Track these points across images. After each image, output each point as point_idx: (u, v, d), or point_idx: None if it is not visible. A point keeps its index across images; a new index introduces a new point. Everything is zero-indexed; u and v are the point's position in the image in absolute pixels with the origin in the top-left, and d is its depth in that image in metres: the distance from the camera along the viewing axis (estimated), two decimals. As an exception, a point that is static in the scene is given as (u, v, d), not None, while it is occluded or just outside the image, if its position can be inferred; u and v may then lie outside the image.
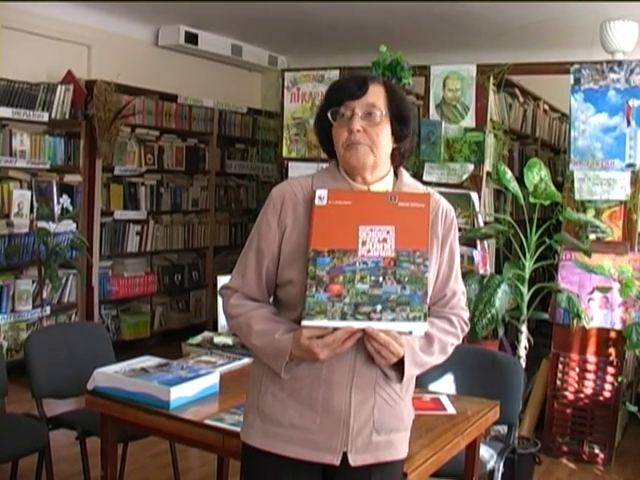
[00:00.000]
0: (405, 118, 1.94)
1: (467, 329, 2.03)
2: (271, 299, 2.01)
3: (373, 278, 1.77)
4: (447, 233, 1.97)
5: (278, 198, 1.94)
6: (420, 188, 2.02)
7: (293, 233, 1.89)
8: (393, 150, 1.95)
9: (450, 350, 1.98)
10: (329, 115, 1.90)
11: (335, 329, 1.75)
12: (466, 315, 2.04)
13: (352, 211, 1.84)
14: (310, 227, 1.83)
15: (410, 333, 1.77)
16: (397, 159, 1.99)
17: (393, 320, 1.74)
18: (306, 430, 1.87)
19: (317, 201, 1.85)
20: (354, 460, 1.87)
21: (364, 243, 1.80)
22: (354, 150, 1.87)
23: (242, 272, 1.97)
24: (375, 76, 1.97)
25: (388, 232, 1.81)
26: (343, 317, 1.74)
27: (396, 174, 2.00)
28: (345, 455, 1.87)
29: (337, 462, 1.87)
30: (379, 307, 1.74)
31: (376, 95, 1.89)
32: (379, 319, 1.74)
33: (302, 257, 1.83)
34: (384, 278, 1.77)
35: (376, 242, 1.80)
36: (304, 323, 1.76)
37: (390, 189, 1.95)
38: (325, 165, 2.04)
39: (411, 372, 1.88)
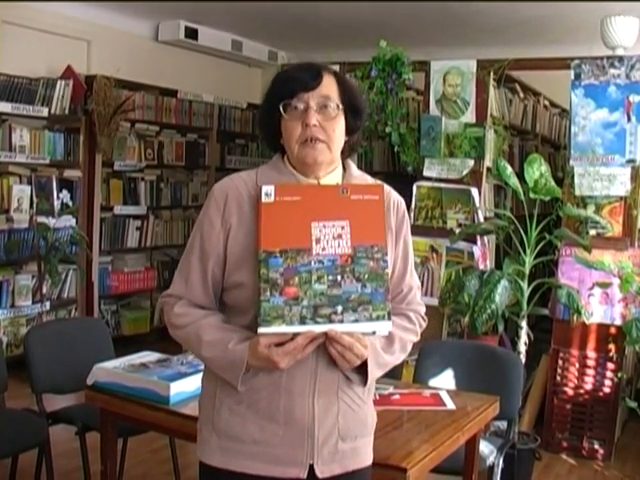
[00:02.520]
0: (358, 110, 1.83)
1: (425, 324, 1.94)
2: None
3: (331, 277, 1.66)
4: (400, 226, 1.88)
5: (220, 195, 1.81)
6: (368, 180, 1.91)
7: (239, 232, 1.77)
8: (344, 143, 1.84)
9: (409, 348, 1.88)
10: (281, 108, 1.77)
11: (295, 335, 1.64)
12: (423, 310, 1.94)
13: (302, 207, 1.71)
14: (258, 226, 1.71)
15: (374, 333, 1.68)
16: (346, 152, 1.87)
17: (356, 321, 1.64)
18: (268, 444, 1.75)
19: (264, 198, 1.72)
20: (321, 472, 1.76)
21: (318, 240, 1.68)
22: (310, 147, 1.75)
23: (185, 277, 1.81)
24: (325, 65, 1.84)
25: (343, 227, 1.69)
26: (302, 321, 1.63)
27: (344, 166, 1.88)
28: (312, 467, 1.76)
29: (304, 475, 1.75)
30: (340, 308, 1.64)
31: (330, 86, 1.78)
32: (341, 321, 1.64)
33: (251, 258, 1.71)
34: (342, 277, 1.66)
35: (331, 239, 1.68)
36: (261, 330, 1.63)
37: (339, 182, 1.83)
38: None
39: (375, 374, 1.78)
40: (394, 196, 1.90)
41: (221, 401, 1.80)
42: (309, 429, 1.75)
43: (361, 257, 1.68)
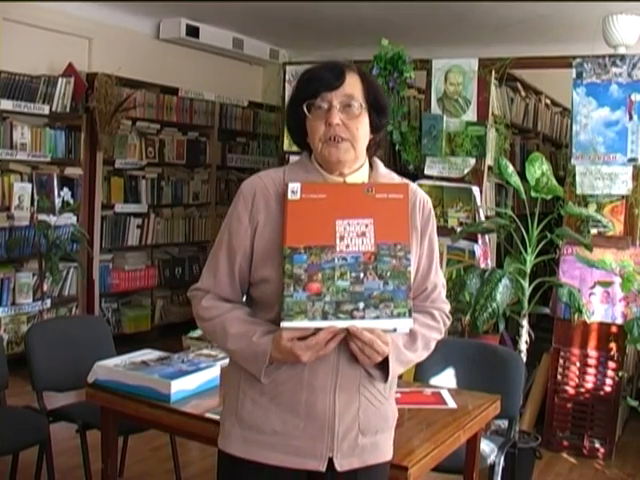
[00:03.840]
0: (382, 108, 1.86)
1: (449, 322, 1.97)
2: (244, 298, 1.92)
3: (354, 274, 1.69)
4: (426, 224, 1.90)
5: (249, 193, 1.84)
6: (395, 178, 1.93)
7: (266, 229, 1.80)
8: (369, 140, 1.86)
9: (433, 345, 1.91)
10: (304, 108, 1.80)
11: (317, 330, 1.68)
12: (447, 308, 1.97)
13: (328, 205, 1.75)
14: (284, 223, 1.75)
15: (395, 330, 1.71)
16: (372, 149, 1.90)
17: (377, 317, 1.67)
18: (289, 436, 1.79)
19: (290, 195, 1.76)
20: (340, 465, 1.80)
21: (342, 238, 1.72)
22: (334, 146, 1.79)
23: (213, 272, 1.87)
24: (349, 64, 1.85)
25: (367, 225, 1.73)
26: (324, 316, 1.67)
27: (371, 165, 1.91)
28: (331, 460, 1.80)
29: (323, 468, 1.80)
30: (361, 304, 1.68)
31: (353, 85, 1.80)
32: (362, 317, 1.67)
33: (277, 254, 1.75)
34: (365, 274, 1.69)
35: (355, 236, 1.72)
36: (284, 325, 1.67)
37: (366, 180, 1.87)
38: None
39: (396, 371, 1.81)
40: (420, 194, 1.92)
41: (245, 392, 1.84)
42: (329, 423, 1.79)
43: (384, 255, 1.71)
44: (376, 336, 1.69)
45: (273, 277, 1.77)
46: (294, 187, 1.77)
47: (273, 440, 1.80)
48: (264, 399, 1.81)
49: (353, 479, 1.84)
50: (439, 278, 1.96)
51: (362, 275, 1.69)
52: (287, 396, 1.79)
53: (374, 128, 1.86)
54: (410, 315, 1.68)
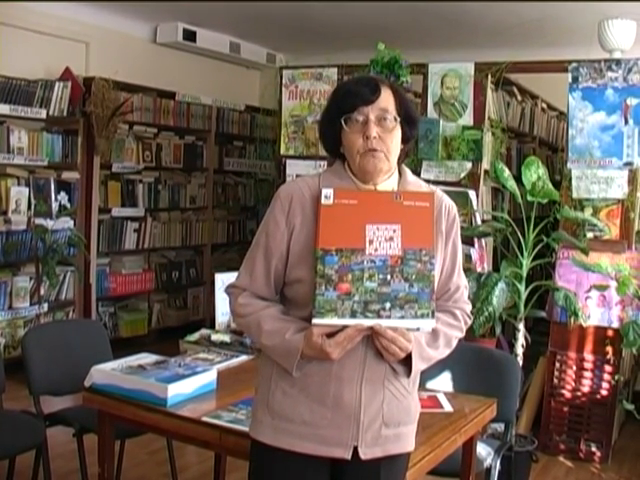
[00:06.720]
0: (413, 120, 1.98)
1: (470, 322, 2.08)
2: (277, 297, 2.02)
3: (381, 276, 1.80)
4: (450, 229, 2.00)
5: (286, 197, 1.94)
6: (423, 186, 2.04)
7: (302, 232, 1.90)
8: (399, 151, 1.97)
9: (454, 343, 2.02)
10: (342, 121, 1.90)
11: (345, 327, 1.78)
12: (469, 308, 2.08)
13: (358, 210, 1.85)
14: (317, 226, 1.85)
15: (418, 329, 1.82)
16: (402, 158, 2.02)
17: (402, 317, 1.79)
18: (317, 425, 1.89)
19: (323, 200, 1.86)
20: (364, 454, 1.90)
21: (371, 242, 1.82)
22: (371, 157, 1.89)
23: (250, 271, 1.97)
24: (382, 79, 1.98)
25: (394, 231, 1.83)
26: (353, 315, 1.78)
27: (400, 172, 2.02)
28: (355, 449, 1.90)
29: (348, 456, 1.89)
30: (388, 305, 1.79)
31: (387, 99, 1.91)
32: (388, 316, 1.78)
33: (311, 256, 1.85)
34: (392, 276, 1.80)
35: (383, 241, 1.82)
36: (314, 321, 1.79)
37: (395, 188, 1.97)
38: (323, 162, 2.05)
39: (418, 367, 1.92)
40: (446, 201, 2.02)
41: (276, 384, 1.95)
42: (355, 414, 1.89)
43: (410, 259, 1.82)
44: (400, 334, 1.80)
45: (307, 278, 1.86)
46: (327, 193, 1.87)
47: (302, 429, 1.90)
48: (294, 390, 1.91)
49: (376, 468, 1.94)
50: (462, 280, 2.06)
51: (389, 277, 1.80)
52: (316, 387, 1.89)
53: (405, 139, 1.97)
54: (433, 316, 1.80)
